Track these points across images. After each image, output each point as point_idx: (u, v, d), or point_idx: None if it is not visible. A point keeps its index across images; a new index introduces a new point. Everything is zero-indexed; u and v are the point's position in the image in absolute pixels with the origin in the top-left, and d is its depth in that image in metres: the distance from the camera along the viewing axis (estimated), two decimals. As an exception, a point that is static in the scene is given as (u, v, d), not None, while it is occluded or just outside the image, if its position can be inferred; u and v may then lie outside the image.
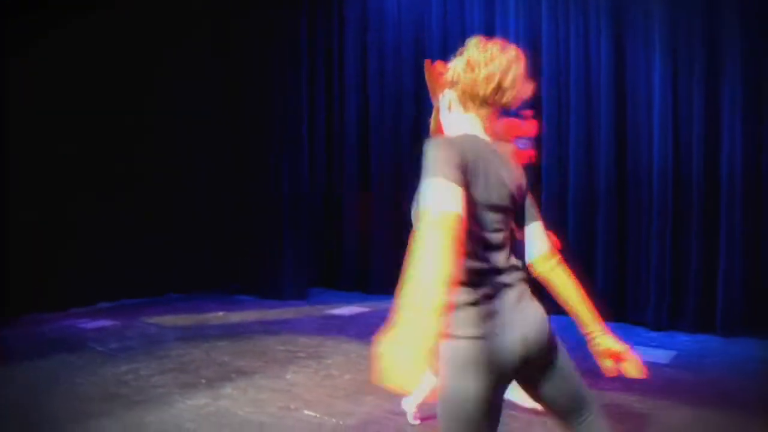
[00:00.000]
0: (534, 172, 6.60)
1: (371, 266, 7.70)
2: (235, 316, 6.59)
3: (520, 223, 1.95)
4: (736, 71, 5.67)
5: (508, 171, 1.83)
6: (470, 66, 1.81)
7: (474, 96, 1.83)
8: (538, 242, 2.00)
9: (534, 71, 6.69)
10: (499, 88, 1.80)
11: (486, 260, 1.75)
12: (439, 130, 1.95)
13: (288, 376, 4.67)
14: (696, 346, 5.52)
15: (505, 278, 1.80)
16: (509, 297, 1.79)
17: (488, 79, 1.79)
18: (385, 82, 7.63)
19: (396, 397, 4.15)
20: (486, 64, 1.80)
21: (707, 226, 5.85)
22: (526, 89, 1.85)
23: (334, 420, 3.85)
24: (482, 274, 1.76)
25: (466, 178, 1.65)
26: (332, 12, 7.86)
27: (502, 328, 1.75)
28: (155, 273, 7.44)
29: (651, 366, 4.93)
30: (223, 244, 7.81)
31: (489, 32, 6.94)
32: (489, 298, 1.76)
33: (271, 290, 7.35)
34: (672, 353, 5.30)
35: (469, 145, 1.74)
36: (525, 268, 1.89)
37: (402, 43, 7.50)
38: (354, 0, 7.80)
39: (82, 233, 6.86)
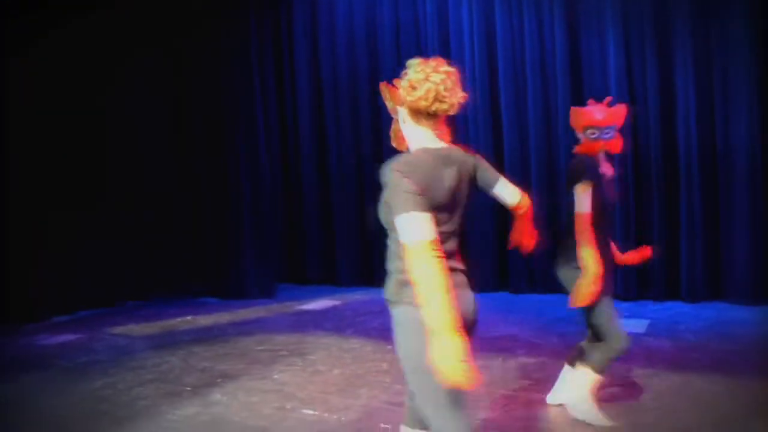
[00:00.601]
0: (496, 163, 6.69)
1: (337, 258, 7.62)
2: (205, 320, 6.41)
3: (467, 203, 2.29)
4: (688, 54, 5.87)
5: (449, 171, 2.18)
6: (411, 86, 2.16)
7: (420, 111, 2.18)
8: (508, 195, 2.52)
9: (490, 62, 6.76)
10: (437, 101, 2.15)
11: (440, 248, 2.08)
12: (399, 139, 2.35)
13: (275, 376, 4.58)
14: (666, 314, 5.70)
15: (453, 263, 2.18)
16: (457, 279, 2.16)
17: (428, 95, 2.14)
18: (338, 72, 7.51)
19: (389, 387, 4.15)
20: (424, 82, 2.14)
21: (668, 199, 6.05)
22: (461, 96, 2.21)
23: (335, 416, 3.79)
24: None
25: (426, 196, 2.05)
26: (281, 17, 7.70)
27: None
28: (110, 281, 7.15)
29: (630, 336, 5.07)
30: (180, 246, 7.56)
31: (442, 25, 6.94)
32: None
33: (236, 290, 7.18)
34: (646, 322, 5.46)
35: (421, 162, 2.12)
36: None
37: (355, 44, 7.38)
38: (303, 2, 7.64)
39: (30, 243, 6.52)
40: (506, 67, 6.67)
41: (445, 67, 2.18)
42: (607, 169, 3.40)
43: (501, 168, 6.43)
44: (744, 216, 5.72)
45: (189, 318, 6.49)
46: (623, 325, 3.42)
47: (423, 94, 2.13)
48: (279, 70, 7.75)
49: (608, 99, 3.43)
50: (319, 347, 5.22)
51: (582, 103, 6.20)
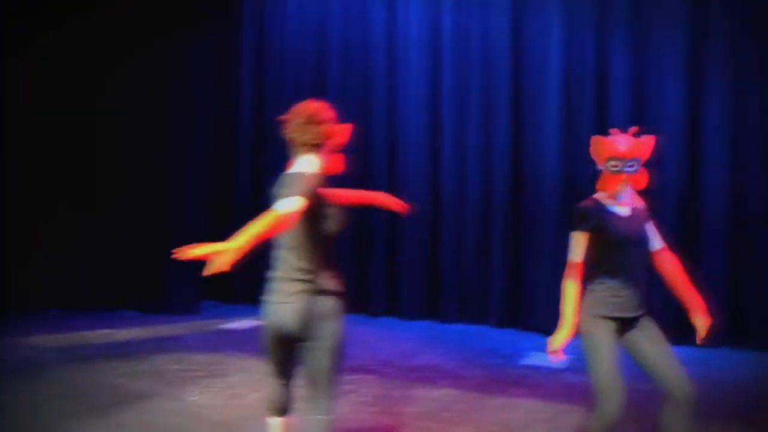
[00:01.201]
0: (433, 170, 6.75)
1: (264, 277, 7.44)
2: (121, 334, 6.14)
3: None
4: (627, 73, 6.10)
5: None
6: (296, 125, 2.73)
7: (304, 144, 2.72)
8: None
9: (435, 64, 6.79)
10: (318, 136, 2.71)
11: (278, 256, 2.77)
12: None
13: (192, 398, 4.42)
14: (586, 350, 5.79)
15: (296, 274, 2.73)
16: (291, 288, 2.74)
17: (308, 131, 2.70)
18: (283, 85, 7.41)
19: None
20: (307, 121, 2.71)
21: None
22: (340, 131, 2.80)
23: (250, 444, 3.67)
24: (277, 259, 2.80)
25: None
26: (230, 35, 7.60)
27: (279, 304, 2.73)
28: (23, 287, 6.77)
29: (549, 371, 5.15)
30: (101, 255, 7.24)
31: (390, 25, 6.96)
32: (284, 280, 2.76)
33: (157, 304, 6.93)
34: (568, 357, 5.52)
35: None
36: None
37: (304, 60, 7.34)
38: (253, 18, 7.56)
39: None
40: (451, 69, 6.76)
41: (323, 106, 2.80)
42: (637, 202, 3.13)
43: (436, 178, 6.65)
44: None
45: (105, 331, 6.21)
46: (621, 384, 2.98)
47: (305, 131, 2.73)
48: (220, 79, 7.61)
49: (634, 129, 3.12)
50: (240, 369, 5.07)
51: (522, 129, 6.42)
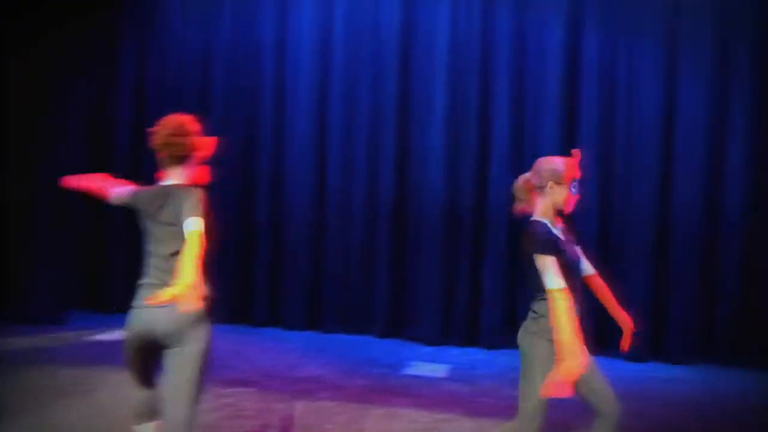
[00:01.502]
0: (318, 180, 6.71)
1: (134, 285, 7.08)
2: (-22, 346, 5.65)
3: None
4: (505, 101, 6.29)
5: (172, 200, 2.78)
6: (163, 137, 2.84)
7: (170, 156, 2.85)
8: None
9: (323, 74, 6.77)
10: (184, 149, 2.84)
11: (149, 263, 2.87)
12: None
13: (56, 413, 4.12)
14: (466, 359, 5.96)
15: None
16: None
17: (175, 143, 2.82)
18: (163, 90, 7.12)
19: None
20: (173, 133, 2.82)
21: (475, 248, 6.38)
22: (206, 143, 2.91)
23: (120, 461, 3.46)
24: (148, 266, 2.91)
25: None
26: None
27: (147, 310, 2.77)
28: None
29: (430, 381, 5.24)
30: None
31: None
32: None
33: (20, 313, 6.42)
34: (447, 367, 5.66)
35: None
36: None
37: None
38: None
39: None
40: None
41: (187, 119, 2.91)
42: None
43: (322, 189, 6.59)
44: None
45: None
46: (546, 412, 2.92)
47: (169, 144, 2.86)
48: (101, 82, 7.21)
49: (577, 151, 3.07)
50: (109, 383, 4.77)
51: (408, 149, 6.51)
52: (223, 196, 6.53)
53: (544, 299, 2.85)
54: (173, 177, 2.89)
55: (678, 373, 5.77)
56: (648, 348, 5.91)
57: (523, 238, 2.93)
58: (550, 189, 2.94)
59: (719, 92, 6.01)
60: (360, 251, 6.68)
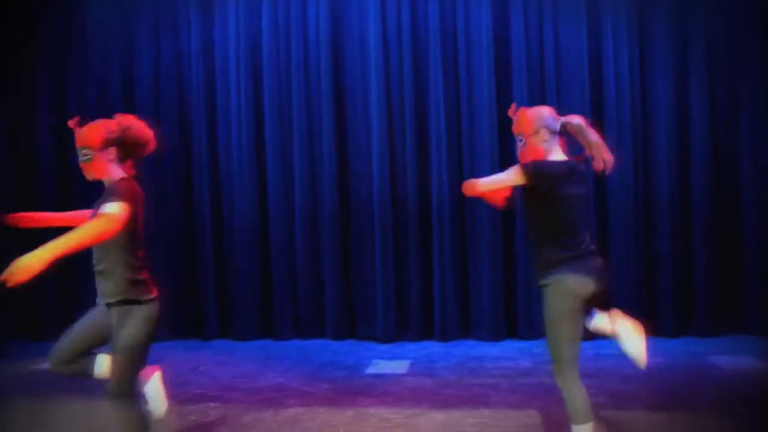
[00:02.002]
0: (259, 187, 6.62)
1: (78, 307, 6.79)
2: None
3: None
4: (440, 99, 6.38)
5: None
6: (104, 136, 3.05)
7: (118, 153, 3.07)
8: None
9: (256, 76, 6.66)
10: (126, 144, 3.08)
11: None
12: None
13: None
14: (423, 353, 6.00)
15: None
16: None
17: (116, 140, 3.06)
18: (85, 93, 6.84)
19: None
20: (116, 132, 3.07)
21: (422, 242, 6.43)
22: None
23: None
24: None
25: None
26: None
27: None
28: None
29: (393, 377, 5.26)
30: None
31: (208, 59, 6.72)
32: None
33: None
34: (407, 362, 5.69)
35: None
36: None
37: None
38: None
39: None
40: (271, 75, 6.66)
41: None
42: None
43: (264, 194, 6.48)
44: (488, 259, 6.29)
45: None
46: None
47: (117, 141, 3.09)
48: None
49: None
50: (65, 413, 4.58)
51: (346, 143, 6.48)
52: (160, 211, 6.41)
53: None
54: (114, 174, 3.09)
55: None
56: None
57: None
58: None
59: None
60: (306, 255, 6.61)
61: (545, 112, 3.23)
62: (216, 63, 6.68)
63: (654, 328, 6.17)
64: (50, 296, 6.79)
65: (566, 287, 3.02)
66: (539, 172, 3.08)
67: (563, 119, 3.24)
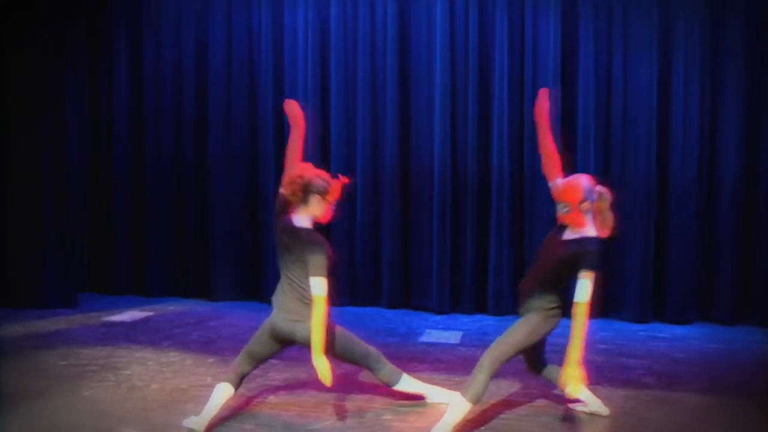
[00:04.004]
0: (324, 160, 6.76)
1: (148, 266, 7.15)
2: (-8, 331, 5.67)
3: None
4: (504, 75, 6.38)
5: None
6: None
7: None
8: None
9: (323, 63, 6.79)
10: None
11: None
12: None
13: (85, 393, 4.18)
14: (476, 326, 6.09)
15: None
16: None
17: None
18: (162, 69, 7.10)
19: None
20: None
21: (480, 218, 6.48)
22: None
23: (161, 435, 3.55)
24: None
25: None
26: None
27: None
28: None
29: (445, 347, 5.36)
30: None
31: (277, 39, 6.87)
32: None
33: (31, 298, 6.43)
34: (459, 333, 5.78)
35: None
36: None
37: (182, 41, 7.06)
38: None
39: None
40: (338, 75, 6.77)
41: None
42: None
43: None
44: (543, 237, 6.27)
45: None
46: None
47: None
48: (94, 65, 7.18)
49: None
50: (134, 361, 4.86)
51: (409, 118, 6.55)
52: (229, 181, 6.62)
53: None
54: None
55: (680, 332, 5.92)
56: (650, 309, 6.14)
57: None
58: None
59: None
60: (365, 227, 6.75)
61: (589, 184, 3.46)
62: (285, 41, 6.84)
63: (713, 316, 6.17)
64: (121, 253, 7.16)
65: (552, 321, 3.77)
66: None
67: (599, 189, 3.47)
